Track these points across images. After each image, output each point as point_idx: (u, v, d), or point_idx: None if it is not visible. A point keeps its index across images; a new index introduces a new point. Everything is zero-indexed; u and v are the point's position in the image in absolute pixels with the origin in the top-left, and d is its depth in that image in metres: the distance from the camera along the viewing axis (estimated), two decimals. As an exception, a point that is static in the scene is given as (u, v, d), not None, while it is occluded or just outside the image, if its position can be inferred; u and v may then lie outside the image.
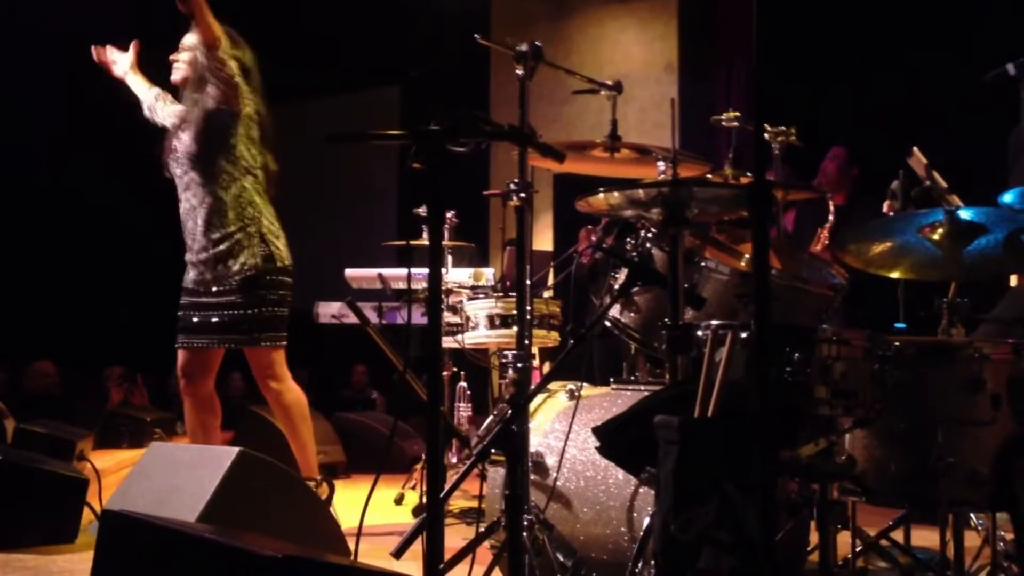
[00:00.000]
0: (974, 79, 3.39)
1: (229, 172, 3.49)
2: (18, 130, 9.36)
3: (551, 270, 5.43)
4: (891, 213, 3.43)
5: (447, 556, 2.35)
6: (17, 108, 9.10)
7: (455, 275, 5.04)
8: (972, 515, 2.85)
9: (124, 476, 3.35)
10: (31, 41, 8.43)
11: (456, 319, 4.38)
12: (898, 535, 2.89)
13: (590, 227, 6.16)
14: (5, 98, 8.64)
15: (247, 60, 3.61)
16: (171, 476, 2.90)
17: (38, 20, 8.22)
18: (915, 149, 3.23)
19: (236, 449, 2.86)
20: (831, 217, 4.83)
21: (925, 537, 2.97)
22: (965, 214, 2.54)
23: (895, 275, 2.61)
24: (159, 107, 3.71)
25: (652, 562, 2.16)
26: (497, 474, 2.83)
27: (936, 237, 2.53)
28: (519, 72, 2.73)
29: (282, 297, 3.56)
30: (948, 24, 6.38)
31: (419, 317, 4.50)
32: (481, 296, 4.32)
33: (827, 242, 4.77)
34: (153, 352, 9.41)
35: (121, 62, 3.77)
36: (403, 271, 5.40)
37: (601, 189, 2.57)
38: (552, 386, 2.96)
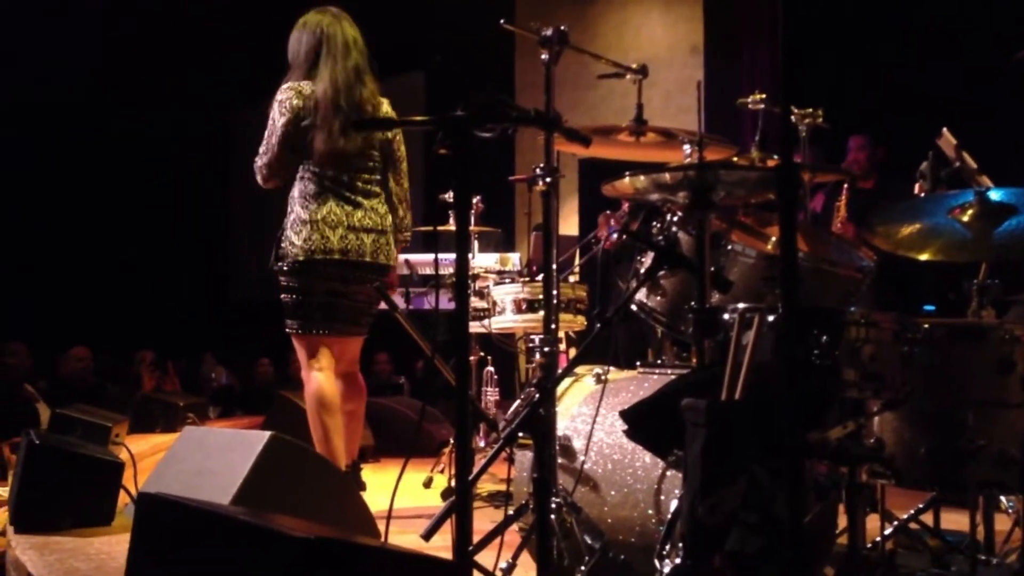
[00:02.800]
0: (1004, 59, 3.34)
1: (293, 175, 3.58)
2: (51, 125, 9.48)
3: (576, 254, 5.43)
4: (922, 195, 3.40)
5: (476, 538, 2.38)
6: (49, 106, 9.21)
7: (481, 260, 5.05)
8: (1002, 497, 2.84)
9: (158, 460, 3.41)
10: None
11: (483, 304, 4.40)
12: (928, 518, 2.88)
13: (608, 212, 6.14)
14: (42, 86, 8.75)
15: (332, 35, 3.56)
16: (204, 460, 2.94)
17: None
18: (945, 130, 3.19)
19: (267, 433, 2.89)
20: (843, 194, 4.86)
21: (955, 520, 2.96)
22: (995, 195, 2.52)
23: (924, 257, 2.59)
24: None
25: (680, 545, 2.17)
26: (525, 457, 2.85)
27: (966, 218, 2.52)
28: (544, 57, 2.73)
29: (283, 289, 3.55)
30: (977, 3, 6.28)
31: (446, 302, 4.53)
32: (507, 281, 4.33)
33: (845, 217, 4.80)
34: (184, 338, 9.55)
35: None
36: (430, 256, 5.42)
37: (627, 173, 2.57)
38: (579, 370, 2.97)
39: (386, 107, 3.70)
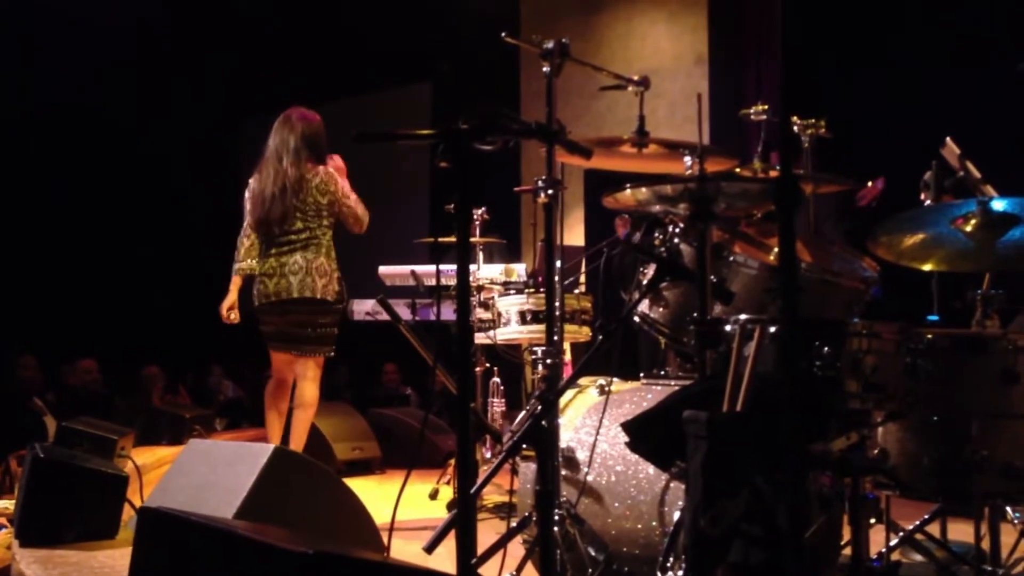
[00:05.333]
0: (1008, 67, 3.34)
1: None
2: (59, 134, 9.52)
3: (583, 261, 5.43)
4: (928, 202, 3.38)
5: (480, 551, 2.38)
6: (54, 111, 9.25)
7: (486, 271, 5.05)
8: (1008, 508, 2.82)
9: (164, 472, 3.41)
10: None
11: (488, 315, 4.39)
12: (934, 528, 2.86)
13: (626, 216, 6.15)
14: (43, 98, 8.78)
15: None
16: (208, 473, 2.95)
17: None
18: (948, 139, 3.19)
19: (271, 446, 2.90)
20: None
21: (961, 530, 2.94)
22: (999, 204, 2.52)
23: (927, 267, 2.59)
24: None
25: (683, 556, 2.16)
26: (529, 469, 2.84)
27: (969, 228, 2.51)
28: (546, 70, 2.73)
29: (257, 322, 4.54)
30: (982, 12, 6.27)
31: (450, 313, 4.53)
32: (512, 292, 4.33)
33: None
34: (192, 350, 9.56)
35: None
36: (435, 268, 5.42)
37: (628, 185, 2.57)
38: (582, 381, 2.97)
39: (321, 175, 4.46)
